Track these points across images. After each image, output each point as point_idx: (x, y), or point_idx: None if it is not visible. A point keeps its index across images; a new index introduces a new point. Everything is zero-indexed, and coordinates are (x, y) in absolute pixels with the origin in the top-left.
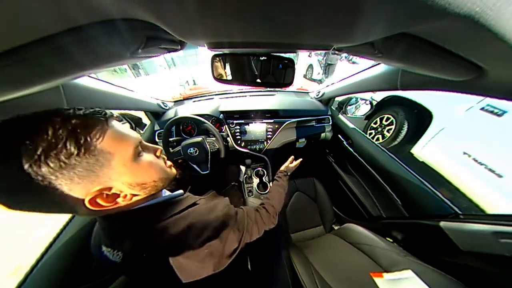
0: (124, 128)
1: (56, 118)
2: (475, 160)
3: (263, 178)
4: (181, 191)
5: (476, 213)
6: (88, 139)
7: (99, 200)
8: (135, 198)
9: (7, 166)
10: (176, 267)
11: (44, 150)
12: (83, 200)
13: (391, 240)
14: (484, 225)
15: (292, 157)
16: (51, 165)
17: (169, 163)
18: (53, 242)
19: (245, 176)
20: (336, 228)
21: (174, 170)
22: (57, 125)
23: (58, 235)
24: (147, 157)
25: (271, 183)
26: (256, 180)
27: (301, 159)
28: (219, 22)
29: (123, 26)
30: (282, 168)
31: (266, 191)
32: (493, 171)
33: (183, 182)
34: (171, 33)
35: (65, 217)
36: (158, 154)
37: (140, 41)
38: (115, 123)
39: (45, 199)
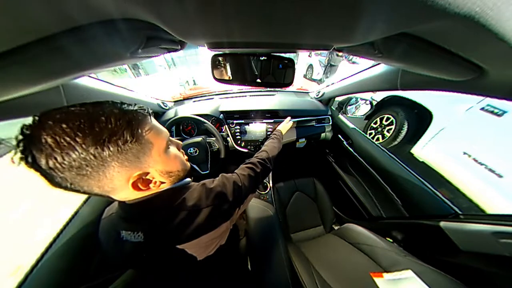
0: (159, 124)
1: (115, 110)
2: (475, 160)
3: None
4: (189, 179)
5: (476, 213)
6: (139, 130)
7: (139, 184)
8: (162, 186)
9: (77, 144)
10: (193, 242)
11: (109, 135)
12: (127, 182)
13: (391, 240)
14: (484, 225)
15: (289, 117)
16: (111, 149)
17: (185, 156)
18: (53, 242)
19: None
20: (336, 228)
21: (189, 164)
22: (118, 116)
23: (58, 235)
24: (173, 149)
25: (270, 182)
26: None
27: (292, 121)
28: (219, 22)
29: (123, 26)
30: (279, 127)
31: (266, 191)
32: (493, 171)
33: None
34: (171, 33)
35: (65, 217)
36: (179, 148)
37: (140, 41)
38: (153, 119)
39: (96, 179)
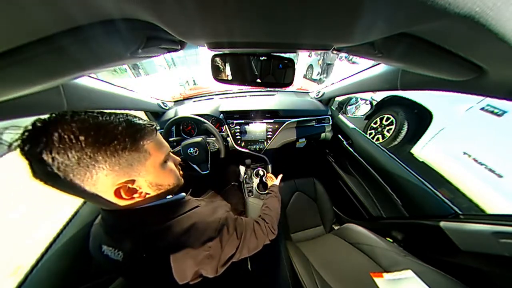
0: (163, 139)
1: (125, 121)
2: (475, 160)
3: (263, 178)
4: (183, 194)
5: (476, 213)
6: (141, 140)
7: (122, 192)
8: (147, 196)
9: (77, 143)
10: (174, 267)
11: (110, 140)
12: (111, 188)
13: (391, 240)
14: (484, 225)
15: (280, 175)
16: (108, 152)
17: (181, 172)
18: (53, 242)
19: (245, 176)
20: (336, 228)
21: (182, 180)
22: (125, 125)
23: (58, 235)
24: (170, 164)
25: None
26: (256, 180)
27: (281, 175)
28: (219, 22)
29: (123, 26)
30: (274, 183)
31: (266, 191)
32: (493, 171)
33: (184, 185)
34: (171, 33)
35: (64, 218)
36: (177, 164)
37: (140, 41)
38: (158, 134)
39: (80, 178)
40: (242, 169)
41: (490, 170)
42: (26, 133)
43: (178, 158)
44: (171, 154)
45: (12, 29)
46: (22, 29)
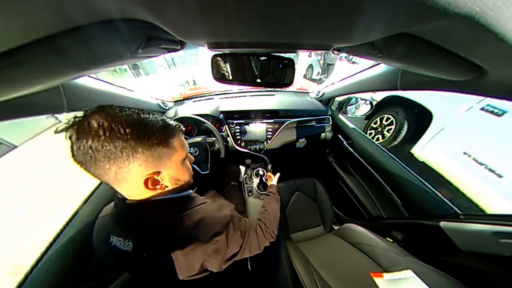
0: (184, 139)
1: (161, 120)
2: (475, 160)
3: (263, 178)
4: (190, 191)
5: (476, 213)
6: (172, 138)
7: (149, 182)
8: (165, 189)
9: (124, 134)
10: (182, 259)
11: (149, 135)
12: (141, 177)
13: (391, 240)
14: (484, 225)
15: (278, 173)
16: (146, 145)
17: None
18: (53, 242)
19: (245, 176)
20: (336, 228)
21: (192, 179)
22: (161, 124)
23: (58, 235)
24: (187, 162)
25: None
26: (256, 180)
27: (279, 174)
28: (219, 23)
29: (123, 26)
30: (272, 182)
31: (266, 191)
32: (493, 171)
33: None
34: (171, 33)
35: (64, 218)
36: (191, 162)
37: (140, 41)
38: (182, 134)
39: (120, 166)
40: (242, 169)
41: (490, 170)
42: (78, 120)
43: (192, 158)
44: (188, 154)
45: (13, 29)
46: (22, 29)
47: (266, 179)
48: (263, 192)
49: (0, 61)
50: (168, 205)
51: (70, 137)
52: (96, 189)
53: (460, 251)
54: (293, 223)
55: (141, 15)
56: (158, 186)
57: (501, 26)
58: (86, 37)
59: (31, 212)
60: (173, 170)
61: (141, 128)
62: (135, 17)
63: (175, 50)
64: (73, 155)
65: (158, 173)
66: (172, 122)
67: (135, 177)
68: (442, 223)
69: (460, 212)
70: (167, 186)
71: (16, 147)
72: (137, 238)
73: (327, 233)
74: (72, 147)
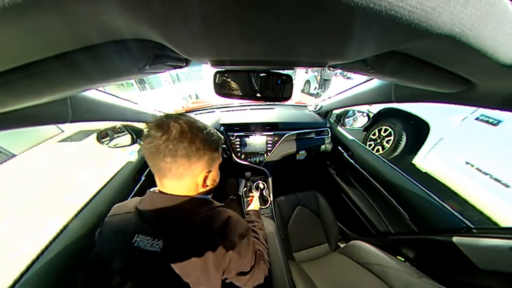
0: None
1: (218, 133)
2: (479, 170)
3: (264, 192)
4: (208, 195)
5: (489, 226)
6: (220, 146)
7: (206, 180)
8: (206, 188)
9: (198, 138)
10: (210, 255)
11: (211, 142)
12: (202, 174)
13: (402, 259)
14: (501, 239)
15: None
16: (208, 150)
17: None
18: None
19: (244, 189)
20: (342, 245)
21: None
22: (217, 135)
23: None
24: (217, 170)
25: (271, 195)
26: (256, 194)
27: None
28: (222, 43)
29: (134, 45)
30: (250, 207)
31: (267, 206)
32: (499, 181)
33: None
34: (178, 52)
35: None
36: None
37: (148, 58)
38: None
39: (192, 161)
40: (241, 182)
41: (496, 180)
42: (161, 121)
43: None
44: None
45: (30, 45)
46: (39, 46)
47: (267, 194)
48: (264, 207)
49: (14, 75)
50: (202, 203)
51: (152, 134)
52: (89, 202)
53: (479, 270)
54: (295, 241)
55: (151, 35)
56: (205, 184)
57: (481, 44)
58: (98, 54)
59: (21, 223)
60: (215, 173)
61: (208, 134)
62: (145, 38)
63: (180, 67)
64: (150, 149)
65: (209, 172)
66: (219, 133)
67: (198, 174)
68: (455, 239)
69: (472, 226)
70: (207, 186)
71: (14, 155)
72: (169, 235)
73: (332, 251)
74: (151, 142)
